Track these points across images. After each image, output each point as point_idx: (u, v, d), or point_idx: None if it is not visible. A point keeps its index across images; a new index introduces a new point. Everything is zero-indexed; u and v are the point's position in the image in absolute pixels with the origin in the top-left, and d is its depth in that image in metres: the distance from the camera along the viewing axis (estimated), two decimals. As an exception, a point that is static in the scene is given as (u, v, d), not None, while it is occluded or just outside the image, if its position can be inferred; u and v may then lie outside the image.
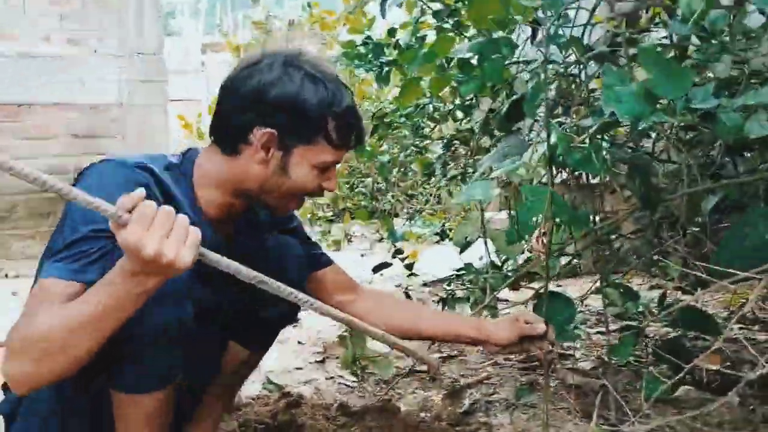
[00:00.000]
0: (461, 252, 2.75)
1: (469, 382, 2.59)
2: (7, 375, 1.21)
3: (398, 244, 2.90)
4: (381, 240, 6.06)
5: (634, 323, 2.17)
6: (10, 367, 1.19)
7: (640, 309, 2.34)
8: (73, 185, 1.17)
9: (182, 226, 1.10)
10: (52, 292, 1.21)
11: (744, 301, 3.33)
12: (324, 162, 1.46)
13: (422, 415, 2.27)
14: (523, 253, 2.89)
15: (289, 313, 1.72)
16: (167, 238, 1.07)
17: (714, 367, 2.66)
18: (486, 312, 2.56)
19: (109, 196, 1.10)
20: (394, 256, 2.77)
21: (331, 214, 7.15)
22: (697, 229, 2.42)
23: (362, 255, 5.49)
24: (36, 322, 1.17)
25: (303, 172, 1.44)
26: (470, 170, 3.22)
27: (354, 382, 2.58)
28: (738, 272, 1.50)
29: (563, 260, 2.76)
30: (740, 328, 3.17)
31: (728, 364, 2.68)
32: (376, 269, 2.76)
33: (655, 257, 2.60)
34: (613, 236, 2.74)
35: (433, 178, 4.12)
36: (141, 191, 1.08)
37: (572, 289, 3.28)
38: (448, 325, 1.79)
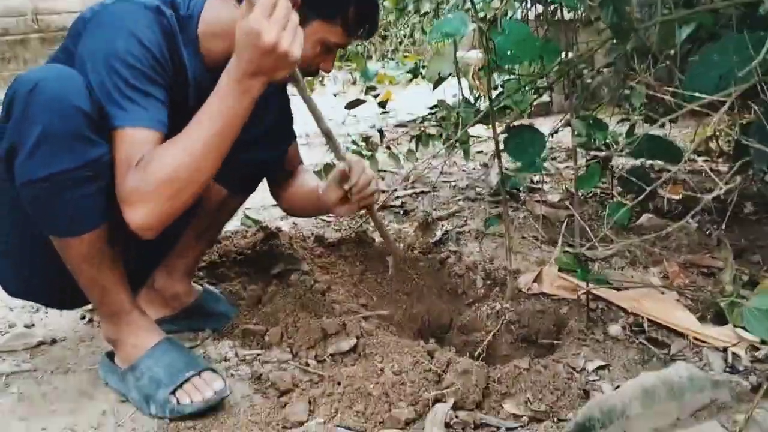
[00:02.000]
0: (434, 87, 2.75)
1: (440, 215, 2.69)
2: (140, 222, 1.28)
3: (372, 84, 2.88)
4: (354, 83, 5.99)
5: (601, 154, 2.24)
6: (144, 213, 1.27)
7: (608, 140, 2.39)
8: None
9: (295, 22, 1.20)
10: (147, 140, 1.31)
11: (710, 135, 3.41)
12: (333, 42, 1.51)
13: (396, 245, 2.37)
14: (496, 88, 2.90)
15: (272, 160, 1.75)
16: (284, 30, 1.17)
17: (676, 197, 2.78)
18: (458, 146, 2.61)
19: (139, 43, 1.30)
20: (366, 94, 2.76)
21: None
22: (668, 61, 2.43)
23: (335, 95, 5.45)
24: (158, 164, 1.25)
25: (309, 46, 1.45)
26: (443, 5, 3.15)
27: (330, 217, 2.66)
28: (704, 96, 1.53)
29: (535, 96, 2.77)
30: (704, 161, 3.27)
31: (690, 194, 2.79)
32: (350, 105, 2.77)
33: (626, 90, 2.63)
34: (585, 69, 2.75)
35: (405, 17, 4.02)
36: None
37: (544, 126, 3.32)
38: (310, 201, 1.84)
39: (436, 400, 1.47)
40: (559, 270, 2.13)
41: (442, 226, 2.58)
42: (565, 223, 2.31)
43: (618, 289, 1.97)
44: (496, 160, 1.95)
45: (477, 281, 2.22)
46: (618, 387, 1.50)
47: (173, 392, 1.46)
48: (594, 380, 1.58)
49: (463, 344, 2.00)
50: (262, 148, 1.68)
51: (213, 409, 1.47)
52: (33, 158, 1.27)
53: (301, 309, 1.83)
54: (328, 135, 1.54)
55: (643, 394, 1.41)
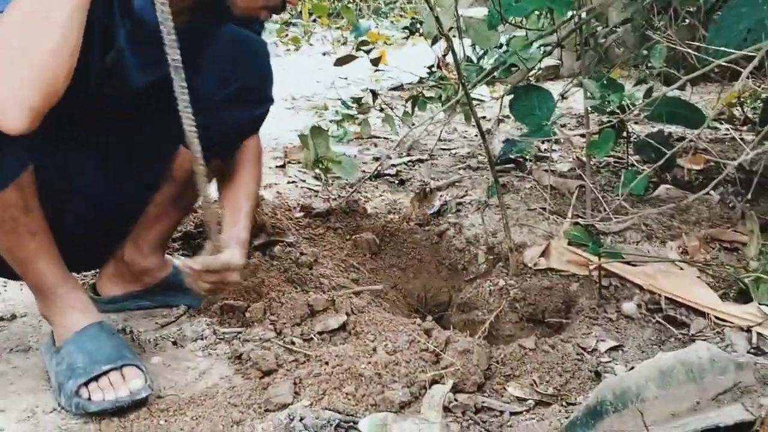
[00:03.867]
0: (433, 44, 2.71)
1: (438, 185, 2.67)
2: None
3: (364, 39, 2.83)
4: (345, 43, 5.94)
5: (615, 118, 2.22)
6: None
7: (623, 102, 2.37)
8: None
9: None
10: None
11: (734, 101, 3.39)
12: None
13: (390, 216, 2.35)
14: (500, 47, 2.86)
15: (245, 123, 1.71)
16: None
17: (697, 167, 2.76)
18: (458, 109, 2.58)
19: None
20: (358, 50, 2.72)
21: (288, 16, 6.94)
22: (691, 17, 2.40)
23: (324, 54, 5.40)
24: None
25: None
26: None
27: (317, 185, 2.64)
28: (730, 51, 1.51)
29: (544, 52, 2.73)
30: (728, 128, 3.26)
31: (711, 163, 2.78)
32: (340, 62, 2.73)
33: (644, 50, 2.60)
34: (599, 26, 2.72)
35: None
36: None
37: (553, 90, 3.29)
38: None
39: (434, 382, 1.46)
40: (569, 244, 2.12)
41: (441, 196, 2.55)
42: (575, 194, 2.30)
43: (633, 265, 1.95)
44: (499, 124, 1.92)
45: (478, 256, 2.20)
46: (632, 368, 1.49)
47: (86, 384, 1.40)
48: (606, 362, 1.57)
49: (463, 323, 1.99)
50: (234, 109, 1.64)
51: (123, 411, 1.39)
52: None
53: (286, 283, 1.81)
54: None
55: (659, 376, 1.40)
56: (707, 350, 1.47)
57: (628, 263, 1.97)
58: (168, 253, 1.90)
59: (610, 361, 1.58)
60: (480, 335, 1.77)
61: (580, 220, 2.16)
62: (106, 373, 1.43)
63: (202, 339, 1.67)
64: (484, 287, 1.98)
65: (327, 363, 1.51)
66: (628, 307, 1.77)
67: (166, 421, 1.38)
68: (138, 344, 1.65)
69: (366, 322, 1.65)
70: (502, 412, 1.41)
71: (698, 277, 1.89)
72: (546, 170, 2.77)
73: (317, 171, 2.54)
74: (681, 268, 1.96)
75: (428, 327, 1.63)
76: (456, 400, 1.41)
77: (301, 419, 1.33)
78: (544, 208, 2.31)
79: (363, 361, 1.49)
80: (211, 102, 1.53)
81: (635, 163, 2.62)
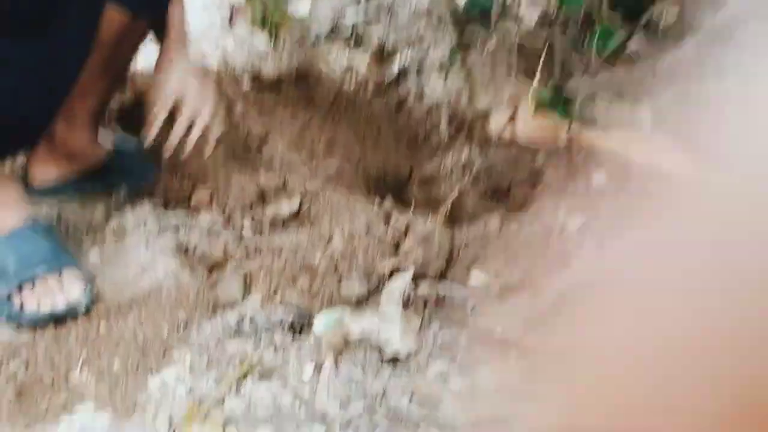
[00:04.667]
0: None
1: (397, 44, 2.49)
2: None
3: None
4: None
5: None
6: None
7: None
8: None
9: None
10: None
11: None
12: None
13: (345, 85, 2.20)
14: None
15: None
16: None
17: (673, 15, 2.61)
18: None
19: None
20: None
21: None
22: None
23: None
24: None
25: None
26: None
27: (268, 47, 2.45)
28: None
29: None
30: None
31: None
32: None
33: None
34: None
35: None
36: None
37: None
38: None
39: (393, 271, 1.38)
40: (536, 108, 2.00)
41: (400, 57, 2.39)
42: (543, 52, 2.14)
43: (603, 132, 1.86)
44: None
45: (441, 125, 2.08)
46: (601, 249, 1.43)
47: (19, 289, 1.32)
48: (574, 239, 1.51)
49: (425, 201, 1.90)
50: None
51: (61, 320, 1.31)
52: None
53: (234, 164, 1.69)
54: None
55: (631, 257, 1.34)
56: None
57: (599, 130, 1.87)
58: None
59: (578, 239, 1.51)
60: (442, 214, 1.70)
61: (548, 83, 2.03)
62: (41, 277, 1.33)
63: (144, 226, 1.56)
64: (447, 161, 1.88)
65: (279, 254, 1.43)
66: (599, 179, 1.69)
67: (106, 326, 1.30)
68: (74, 237, 1.54)
69: (321, 205, 1.55)
70: (465, 301, 1.35)
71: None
72: (512, 23, 2.60)
73: (266, 30, 2.34)
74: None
75: (387, 209, 1.54)
76: (416, 290, 1.35)
77: (252, 320, 1.26)
78: (510, 69, 2.17)
79: (317, 251, 1.41)
80: None
81: (608, 17, 2.46)
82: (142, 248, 1.51)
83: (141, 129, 1.84)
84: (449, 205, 1.74)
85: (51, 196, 1.66)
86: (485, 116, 1.99)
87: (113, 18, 1.48)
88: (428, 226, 1.44)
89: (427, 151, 2.05)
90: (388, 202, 1.58)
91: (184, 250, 1.49)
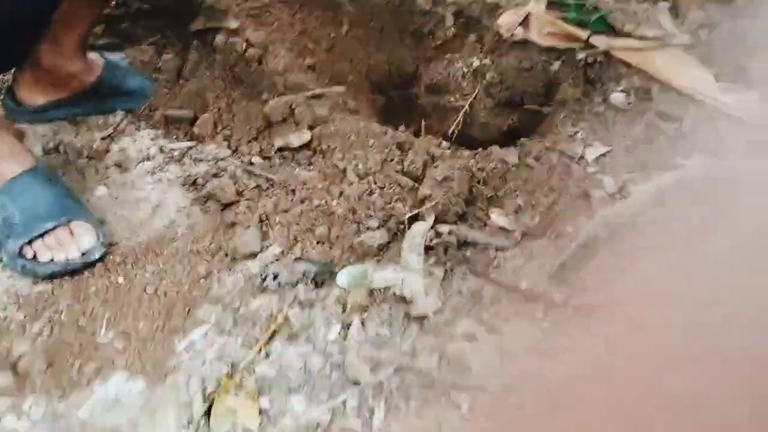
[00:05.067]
0: None
1: None
2: None
3: None
4: None
5: None
6: None
7: None
8: None
9: None
10: None
11: None
12: None
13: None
14: None
15: None
16: None
17: None
18: None
19: None
20: None
21: None
22: None
23: None
24: None
25: None
26: None
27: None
28: None
29: None
30: None
31: None
32: None
33: None
34: None
35: None
36: None
37: None
38: None
39: (413, 218, 1.36)
40: (549, 4, 1.90)
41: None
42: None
43: (620, 35, 1.77)
44: None
45: (446, 18, 1.98)
46: (622, 188, 1.42)
47: (29, 243, 1.28)
48: (594, 172, 1.48)
49: (432, 107, 1.84)
50: None
51: (73, 273, 1.28)
52: None
53: (234, 85, 1.61)
54: None
55: (656, 199, 1.33)
56: (704, 167, 1.39)
57: (615, 33, 1.79)
58: (95, 49, 1.65)
59: (597, 172, 1.49)
60: (454, 128, 1.66)
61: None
62: (50, 231, 1.29)
63: (148, 159, 1.51)
64: (456, 67, 1.81)
65: (293, 192, 1.40)
66: (617, 97, 1.64)
67: (125, 278, 1.28)
68: (77, 170, 1.48)
69: (331, 135, 1.50)
70: (486, 248, 1.34)
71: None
72: None
73: None
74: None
75: (401, 140, 1.49)
76: (438, 236, 1.33)
77: (275, 277, 1.25)
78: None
79: (333, 194, 1.38)
80: None
81: None
82: (148, 182, 1.47)
83: (129, 40, 1.74)
84: (461, 120, 1.70)
85: (43, 116, 1.59)
86: (494, 12, 1.88)
87: None
88: (446, 167, 1.39)
89: (433, 47, 1.96)
90: (401, 132, 1.52)
91: (192, 183, 1.45)
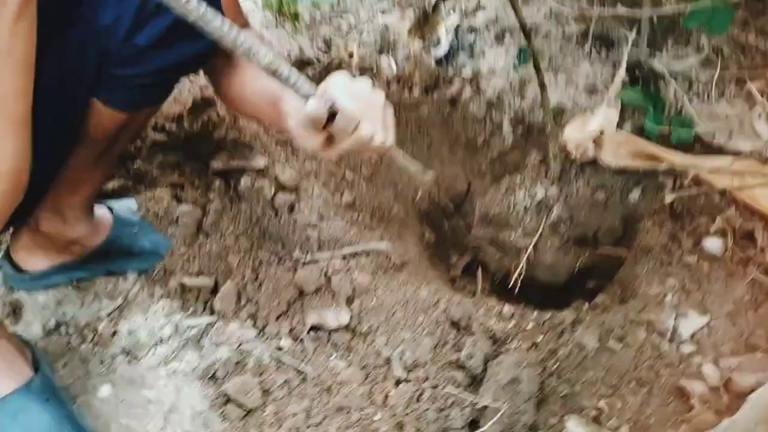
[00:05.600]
0: None
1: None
2: None
3: None
4: None
5: None
6: None
7: None
8: None
9: None
10: None
11: None
12: None
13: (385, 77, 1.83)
14: None
15: (185, 62, 1.15)
16: None
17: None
18: None
19: None
20: None
21: None
22: None
23: None
24: None
25: None
26: None
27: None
28: None
29: None
30: None
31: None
32: None
33: None
34: None
35: None
36: None
37: None
38: (266, 109, 1.16)
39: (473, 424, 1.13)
40: (622, 108, 1.65)
41: (446, 15, 1.98)
42: (632, 34, 1.73)
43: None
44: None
45: (503, 126, 1.74)
46: (727, 382, 1.17)
47: None
48: (690, 354, 1.23)
49: (489, 241, 1.61)
50: (170, 47, 1.10)
51: None
52: None
53: (261, 241, 1.40)
54: (273, 71, 0.94)
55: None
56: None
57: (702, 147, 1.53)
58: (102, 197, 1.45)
59: (694, 354, 1.23)
60: (516, 278, 1.42)
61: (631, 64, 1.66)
62: None
63: (161, 343, 1.31)
64: (518, 197, 1.57)
65: (328, 392, 1.18)
66: (711, 244, 1.38)
67: None
68: (80, 358, 1.29)
69: (373, 310, 1.28)
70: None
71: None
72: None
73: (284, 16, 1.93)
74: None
75: (455, 317, 1.26)
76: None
77: None
78: (590, 51, 1.77)
79: (376, 401, 1.16)
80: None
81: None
82: (161, 375, 1.27)
83: (141, 180, 1.55)
84: (523, 269, 1.46)
85: (42, 283, 1.40)
86: (560, 121, 1.63)
87: (104, 117, 1.17)
88: (512, 363, 1.16)
89: (489, 159, 1.73)
90: (456, 301, 1.30)
91: (211, 377, 1.25)
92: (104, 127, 1.19)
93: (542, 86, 1.51)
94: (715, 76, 1.67)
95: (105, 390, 1.25)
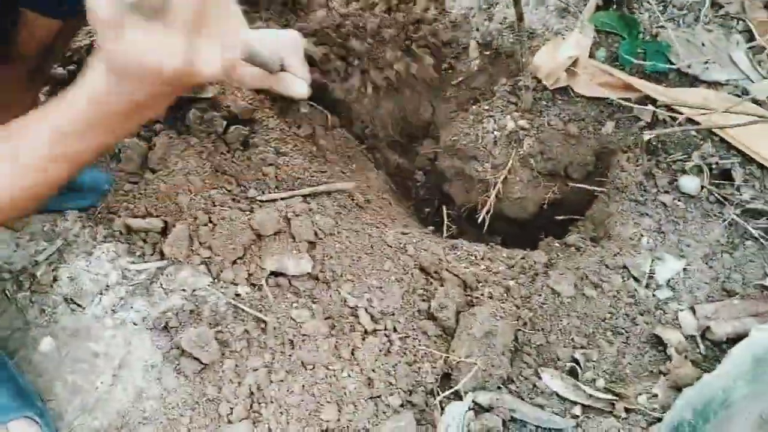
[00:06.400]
0: None
1: None
2: None
3: None
4: None
5: None
6: None
7: None
8: None
9: None
10: None
11: None
12: None
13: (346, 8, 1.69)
14: None
15: None
16: None
17: None
18: None
19: None
20: None
21: None
22: None
23: None
24: None
25: None
26: None
27: None
28: None
29: None
30: None
31: None
32: None
33: None
34: None
35: None
36: None
37: None
38: None
39: (446, 382, 1.09)
40: (597, 31, 1.56)
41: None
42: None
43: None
44: None
45: (470, 48, 1.64)
46: (705, 331, 1.14)
47: None
48: (667, 299, 1.19)
49: (455, 173, 1.53)
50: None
51: None
52: None
53: (214, 178, 1.29)
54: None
55: (752, 367, 1.05)
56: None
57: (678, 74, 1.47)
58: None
59: (671, 300, 1.20)
60: (484, 215, 1.36)
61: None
62: None
63: (107, 290, 1.21)
64: (486, 128, 1.48)
65: (291, 344, 1.12)
66: (687, 183, 1.32)
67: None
68: (17, 308, 1.19)
69: (337, 255, 1.20)
70: (538, 428, 1.07)
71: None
72: None
73: None
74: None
75: (425, 262, 1.20)
76: (478, 411, 1.06)
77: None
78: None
79: (343, 354, 1.09)
80: None
81: None
82: (108, 325, 1.17)
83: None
84: (491, 204, 1.39)
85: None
86: (532, 45, 1.54)
87: (36, 27, 1.05)
88: (487, 318, 1.10)
89: (453, 83, 1.63)
90: (424, 253, 1.22)
91: (164, 328, 1.16)
92: (37, 39, 1.07)
93: (520, 17, 1.40)
94: (691, -1, 1.59)
95: (46, 343, 1.16)
